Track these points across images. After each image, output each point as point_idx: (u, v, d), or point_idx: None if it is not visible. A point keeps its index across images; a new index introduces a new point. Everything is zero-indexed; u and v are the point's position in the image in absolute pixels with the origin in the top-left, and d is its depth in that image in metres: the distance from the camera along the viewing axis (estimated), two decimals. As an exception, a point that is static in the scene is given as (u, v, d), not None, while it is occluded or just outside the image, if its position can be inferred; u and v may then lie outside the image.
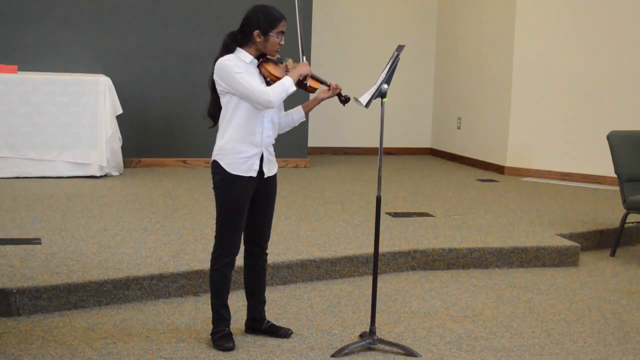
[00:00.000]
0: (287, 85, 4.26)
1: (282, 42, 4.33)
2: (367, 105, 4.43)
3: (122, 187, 8.05)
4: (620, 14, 9.29)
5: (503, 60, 10.00)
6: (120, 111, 8.64)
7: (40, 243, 5.72)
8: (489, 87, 10.33)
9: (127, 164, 9.08)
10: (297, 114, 4.54)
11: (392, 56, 4.43)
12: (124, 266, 5.25)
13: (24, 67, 8.78)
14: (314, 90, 4.46)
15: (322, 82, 4.47)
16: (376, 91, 4.39)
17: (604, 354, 4.57)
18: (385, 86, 4.38)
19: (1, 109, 8.21)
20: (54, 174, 8.35)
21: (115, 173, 8.64)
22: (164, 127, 9.45)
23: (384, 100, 4.41)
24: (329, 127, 11.12)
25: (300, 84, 4.39)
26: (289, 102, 4.52)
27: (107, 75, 8.81)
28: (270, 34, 4.27)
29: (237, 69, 4.22)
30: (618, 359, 4.51)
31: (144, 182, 8.38)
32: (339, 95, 4.47)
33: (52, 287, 4.83)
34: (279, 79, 4.32)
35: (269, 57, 4.36)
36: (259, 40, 4.28)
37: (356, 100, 4.46)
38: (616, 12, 9.31)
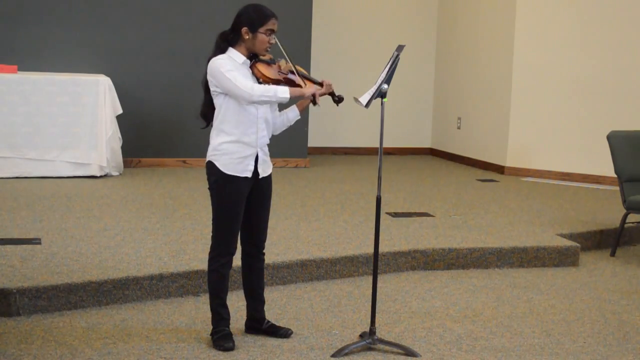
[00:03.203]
0: (279, 91, 4.19)
1: (273, 41, 4.30)
2: (367, 105, 4.43)
3: (122, 187, 8.05)
4: (620, 14, 9.29)
5: (503, 61, 10.00)
6: (120, 111, 8.64)
7: (40, 243, 5.72)
8: (489, 87, 10.33)
9: (127, 164, 9.08)
10: (291, 113, 4.51)
11: (392, 56, 4.43)
12: (124, 266, 5.25)
13: (24, 67, 8.78)
14: None
15: (314, 82, 4.47)
16: (376, 91, 4.39)
17: (604, 354, 4.57)
18: (385, 86, 4.38)
19: (1, 109, 8.21)
20: (54, 174, 8.35)
21: (115, 173, 8.64)
22: (164, 127, 9.45)
23: (384, 100, 4.41)
24: (329, 127, 11.12)
25: (292, 84, 4.37)
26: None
27: (107, 75, 8.81)
28: (259, 30, 4.24)
29: (226, 66, 4.20)
30: (618, 359, 4.51)
31: (144, 182, 8.38)
32: (332, 95, 4.47)
33: (52, 287, 4.83)
34: (271, 79, 4.30)
35: (261, 57, 4.34)
36: (247, 37, 4.26)
37: (356, 100, 4.46)
38: (616, 12, 9.31)
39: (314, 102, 4.33)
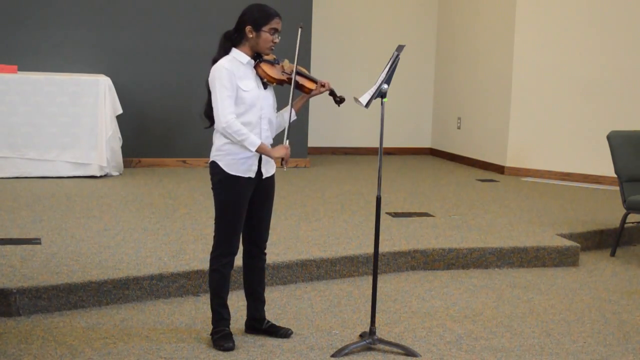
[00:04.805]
0: (248, 141, 4.18)
1: (277, 40, 4.32)
2: (367, 105, 4.43)
3: (122, 187, 8.05)
4: (619, 14, 9.29)
5: (503, 60, 10.00)
6: (120, 111, 8.64)
7: (40, 243, 5.72)
8: (489, 87, 10.33)
9: (127, 164, 9.08)
10: (287, 114, 4.50)
11: (392, 56, 4.43)
12: (124, 266, 5.25)
13: (24, 67, 8.78)
14: (310, 90, 4.46)
15: (315, 82, 4.48)
16: (376, 91, 4.39)
17: (604, 354, 4.57)
18: (385, 86, 4.39)
19: (1, 109, 8.21)
20: (54, 174, 8.35)
21: (115, 173, 8.64)
22: (164, 127, 9.45)
23: (384, 100, 4.41)
24: (329, 127, 11.11)
25: (296, 84, 4.38)
26: (279, 100, 4.52)
27: (107, 75, 8.81)
28: (263, 29, 4.26)
29: (224, 80, 4.19)
30: (618, 359, 4.51)
31: (144, 182, 8.38)
32: (334, 96, 4.47)
33: (52, 287, 4.83)
34: (275, 79, 4.32)
35: (265, 58, 4.36)
36: (251, 36, 4.27)
37: (356, 100, 4.46)
38: (616, 12, 9.31)
39: (281, 166, 4.33)
